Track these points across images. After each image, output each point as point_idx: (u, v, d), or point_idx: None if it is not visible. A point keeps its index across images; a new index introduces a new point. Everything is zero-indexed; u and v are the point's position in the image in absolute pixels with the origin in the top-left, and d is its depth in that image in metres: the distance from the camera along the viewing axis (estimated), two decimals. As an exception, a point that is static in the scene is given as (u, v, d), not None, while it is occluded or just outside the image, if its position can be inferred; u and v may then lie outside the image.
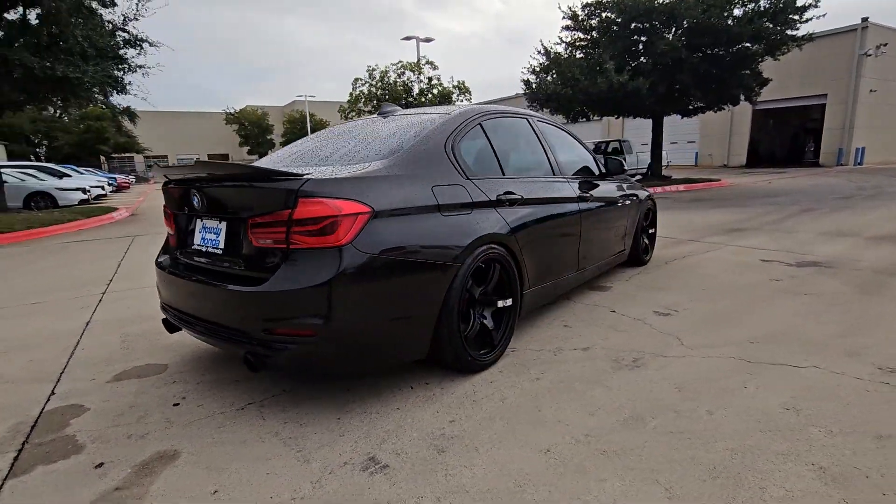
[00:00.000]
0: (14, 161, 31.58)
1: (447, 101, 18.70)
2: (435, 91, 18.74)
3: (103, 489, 1.66)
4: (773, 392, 2.18)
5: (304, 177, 1.90)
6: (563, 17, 15.11)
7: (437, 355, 2.29)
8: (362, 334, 1.97)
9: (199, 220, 2.31)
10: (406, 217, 2.09)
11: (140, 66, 12.38)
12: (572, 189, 3.34)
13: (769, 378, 2.32)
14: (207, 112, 54.57)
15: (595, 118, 18.68)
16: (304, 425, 2.03)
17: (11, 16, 10.01)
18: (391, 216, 2.03)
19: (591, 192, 3.56)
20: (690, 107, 15.37)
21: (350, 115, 20.48)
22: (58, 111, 42.31)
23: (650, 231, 4.95)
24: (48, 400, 2.35)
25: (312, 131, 43.21)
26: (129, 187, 29.86)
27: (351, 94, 19.01)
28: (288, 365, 2.00)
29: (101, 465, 1.80)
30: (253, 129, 47.17)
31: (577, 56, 14.80)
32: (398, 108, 3.15)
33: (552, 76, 14.46)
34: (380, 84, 18.34)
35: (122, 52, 11.98)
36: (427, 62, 18.87)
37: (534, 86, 15.15)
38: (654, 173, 16.25)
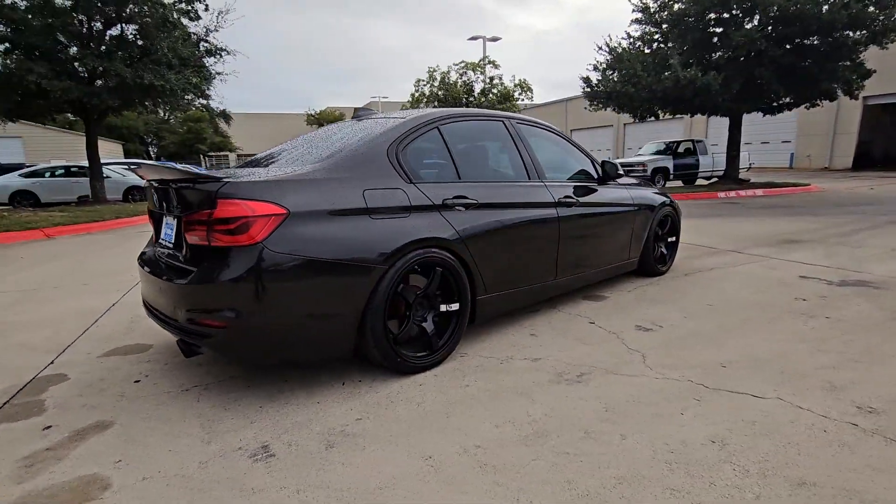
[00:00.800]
0: (129, 158, 35.79)
1: (508, 100, 18.57)
2: (496, 90, 18.64)
3: (36, 448, 1.91)
4: (709, 422, 1.99)
5: (224, 180, 2.05)
6: (634, 10, 14.36)
7: (365, 354, 2.35)
8: (276, 329, 2.08)
9: (164, 218, 2.55)
10: (327, 219, 2.17)
11: (218, 73, 13.59)
12: (549, 194, 3.22)
13: (715, 406, 2.11)
14: (291, 114, 58.42)
15: (677, 117, 17.55)
16: (227, 409, 2.19)
17: (112, 31, 11.43)
18: (310, 218, 2.12)
19: (579, 197, 3.41)
20: (774, 104, 13.96)
21: None
22: (166, 114, 47.38)
23: (669, 239, 4.62)
24: (44, 368, 2.72)
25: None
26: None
27: (412, 96, 19.48)
28: (214, 352, 2.16)
29: (48, 427, 2.07)
30: (332, 129, 49.75)
31: (644, 51, 14.00)
32: (374, 112, 3.23)
33: (614, 73, 13.82)
34: (440, 85, 18.58)
35: (203, 60, 13.23)
36: (489, 62, 18.81)
37: (595, 84, 14.58)
38: (727, 175, 14.96)
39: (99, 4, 10.62)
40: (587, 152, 3.87)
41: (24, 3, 10.65)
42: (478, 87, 18.87)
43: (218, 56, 13.65)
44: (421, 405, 2.20)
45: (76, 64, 10.85)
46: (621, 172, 3.85)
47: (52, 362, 2.81)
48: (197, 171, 2.16)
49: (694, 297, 3.80)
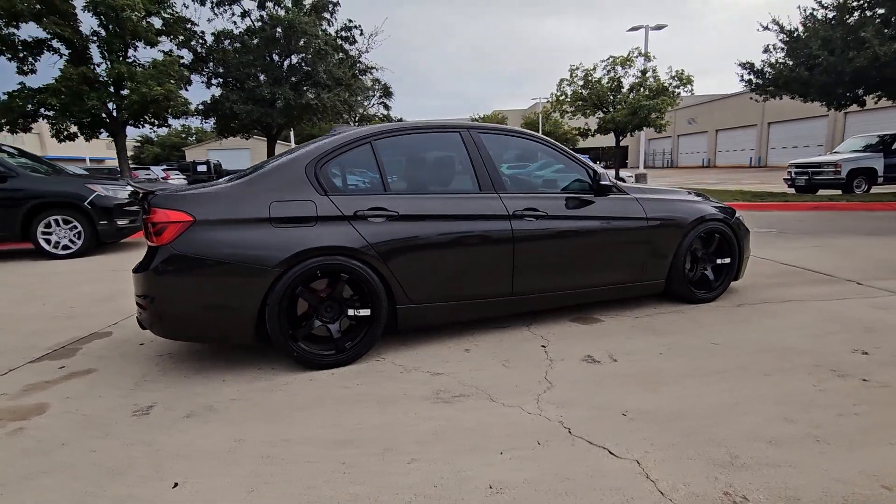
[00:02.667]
0: None
1: (664, 94, 16.58)
2: (648, 84, 16.82)
3: (42, 379, 2.71)
4: (518, 468, 1.79)
5: (156, 192, 2.58)
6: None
7: (268, 343, 2.67)
8: (180, 314, 2.54)
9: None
10: (230, 226, 2.54)
11: (367, 89, 15.43)
12: (503, 206, 3.07)
13: (551, 453, 1.87)
14: (455, 119, 61.92)
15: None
16: (164, 374, 2.73)
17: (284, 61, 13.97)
18: (214, 225, 2.52)
19: (546, 211, 3.17)
20: None
21: (551, 118, 20.47)
22: (353, 124, 54.52)
23: (718, 261, 3.86)
24: (109, 326, 3.70)
25: (547, 134, 44.32)
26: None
27: (552, 96, 18.89)
28: (143, 327, 2.71)
29: (62, 367, 2.89)
30: (493, 132, 51.29)
31: (826, 26, 11.28)
32: (348, 128, 3.50)
33: (785, 56, 11.45)
34: (584, 83, 17.54)
35: (355, 79, 15.19)
36: (639, 54, 17.03)
37: (762, 68, 12.28)
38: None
39: (281, 41, 13.13)
40: (584, 162, 3.51)
41: (229, 44, 13.77)
42: (627, 83, 17.37)
43: (369, 73, 15.54)
44: (294, 396, 2.43)
45: (259, 90, 13.57)
46: (609, 183, 3.38)
47: (116, 322, 3.80)
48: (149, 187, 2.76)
49: (711, 333, 3.16)
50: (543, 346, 3.01)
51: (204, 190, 2.66)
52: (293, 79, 13.25)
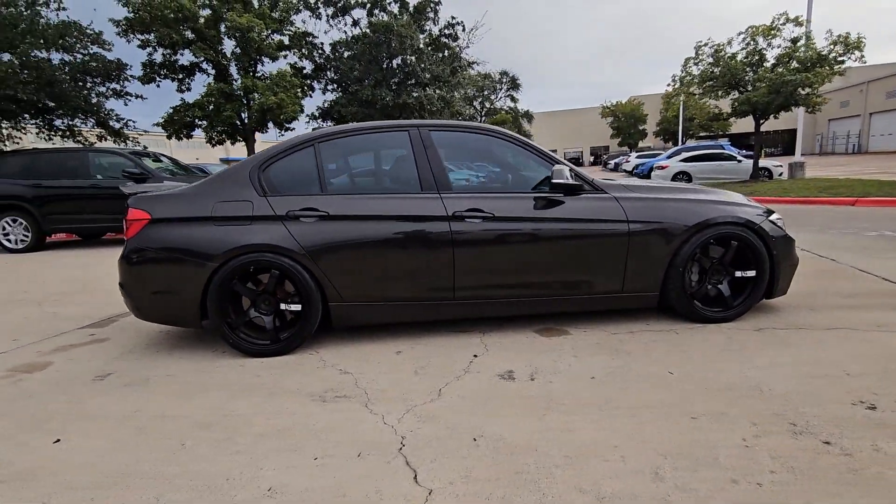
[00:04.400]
0: None
1: (824, 64, 13.45)
2: (800, 55, 13.77)
3: (71, 341, 3.41)
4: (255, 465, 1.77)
5: (132, 193, 3.04)
6: None
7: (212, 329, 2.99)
8: (141, 298, 2.97)
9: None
10: (180, 224, 2.89)
11: (469, 85, 15.57)
12: (443, 207, 2.94)
13: (327, 462, 1.81)
14: (589, 108, 58.64)
15: None
16: (147, 347, 3.23)
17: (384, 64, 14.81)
18: (165, 222, 2.90)
19: (494, 212, 2.96)
20: None
21: (673, 102, 18.22)
22: (480, 118, 55.15)
23: (737, 274, 3.19)
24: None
25: (689, 120, 39.64)
26: (505, 178, 36.40)
27: (674, 78, 16.58)
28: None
29: (92, 334, 3.59)
30: (626, 120, 47.58)
31: None
32: (321, 129, 3.64)
33: None
34: (715, 61, 15.03)
35: (458, 75, 15.44)
36: (787, 20, 13.96)
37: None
38: None
39: (382, 45, 14.00)
40: (552, 158, 3.17)
41: (343, 52, 15.06)
42: (771, 55, 14.47)
43: (470, 68, 15.65)
44: (210, 379, 2.69)
45: (361, 93, 14.63)
46: (572, 181, 2.97)
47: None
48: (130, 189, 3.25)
49: (682, 360, 2.66)
50: (475, 356, 2.85)
51: (166, 191, 3.07)
52: (395, 80, 14.04)
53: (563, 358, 2.77)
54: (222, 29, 12.85)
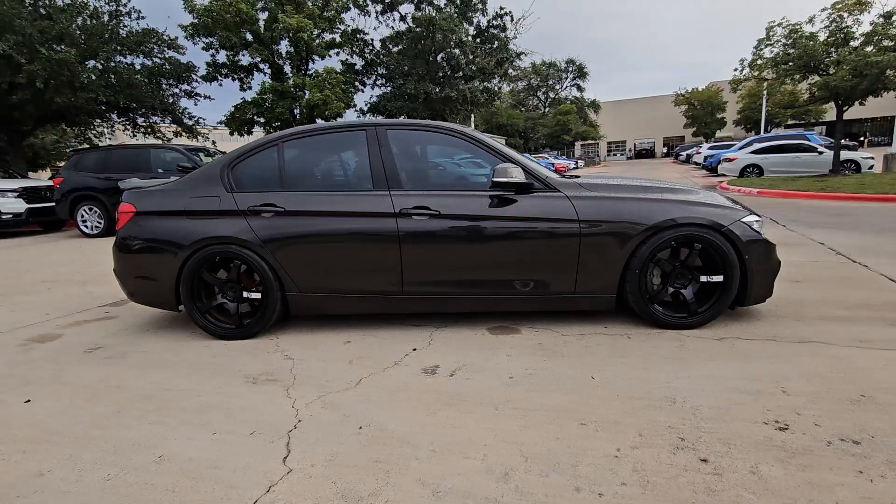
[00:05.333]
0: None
1: None
2: (893, 31, 12.00)
3: (87, 318, 3.90)
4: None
5: (126, 189, 3.42)
6: None
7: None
8: (128, 282, 3.34)
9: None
10: (159, 216, 3.22)
11: (508, 74, 15.32)
12: (391, 204, 3.03)
13: (188, 434, 1.98)
14: (662, 96, 55.27)
15: None
16: (145, 329, 3.63)
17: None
18: (147, 215, 3.23)
19: (440, 209, 3.00)
20: None
21: (740, 89, 16.65)
22: (544, 109, 54.01)
23: (703, 279, 3.01)
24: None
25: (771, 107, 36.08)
26: (565, 170, 35.39)
27: (742, 62, 15.02)
28: None
29: (108, 311, 4.08)
30: (703, 108, 44.37)
31: None
32: (290, 129, 3.79)
33: None
34: (791, 43, 13.39)
35: (503, 66, 15.24)
36: None
37: None
38: None
39: (426, 40, 14.14)
40: (506, 155, 3.13)
41: (395, 46, 15.39)
42: (860, 32, 12.70)
43: (515, 59, 15.40)
44: (174, 356, 2.99)
45: (405, 87, 14.89)
46: (520, 179, 2.92)
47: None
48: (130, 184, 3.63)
49: (617, 366, 2.59)
50: (414, 350, 2.93)
51: (150, 187, 3.42)
52: (439, 74, 14.16)
53: (495, 356, 2.78)
54: (275, 30, 13.68)
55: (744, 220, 2.98)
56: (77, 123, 13.90)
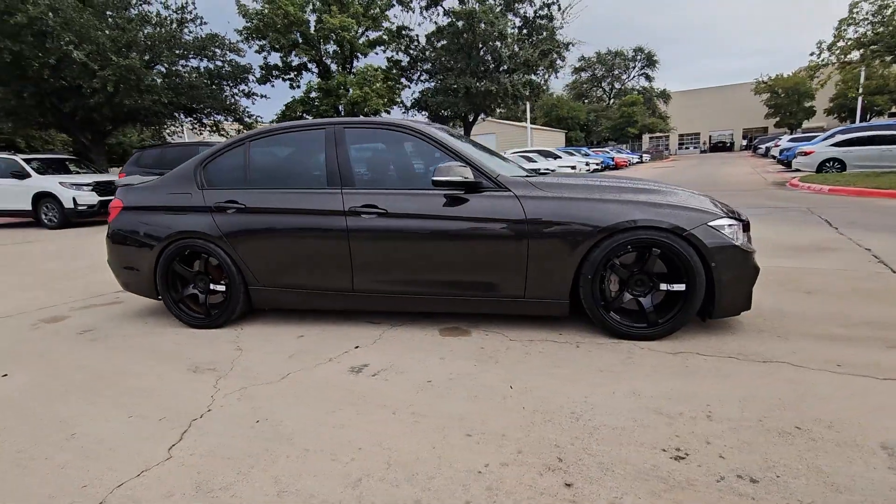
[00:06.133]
0: (569, 146, 41.69)
1: None
2: None
3: (94, 302, 4.30)
4: (112, 429, 2.11)
5: (120, 185, 3.71)
6: None
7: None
8: (118, 271, 3.63)
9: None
10: (141, 211, 3.47)
11: (551, 66, 14.82)
12: (341, 202, 3.06)
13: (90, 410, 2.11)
14: (739, 84, 50.99)
15: None
16: (144, 315, 3.95)
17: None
18: (132, 209, 3.50)
19: (387, 208, 2.99)
20: None
21: (818, 75, 14.85)
22: (609, 100, 51.80)
23: (663, 287, 2.77)
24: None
25: (876, 93, 32.13)
26: (626, 165, 33.63)
27: (819, 45, 13.29)
28: None
29: (118, 296, 4.48)
30: (788, 96, 40.45)
31: None
32: (258, 128, 3.93)
33: None
34: (876, 22, 11.64)
35: (547, 57, 14.78)
36: None
37: None
38: None
39: (467, 34, 14.04)
40: (458, 153, 3.04)
41: (439, 41, 15.43)
42: None
43: (563, 50, 14.86)
44: (141, 342, 3.22)
45: (445, 81, 14.84)
46: (464, 178, 2.81)
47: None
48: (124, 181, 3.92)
49: (541, 377, 2.46)
50: (356, 347, 2.96)
51: (137, 183, 3.68)
52: (480, 67, 13.96)
53: (429, 358, 2.74)
54: (320, 31, 14.20)
55: (711, 223, 2.71)
56: (150, 123, 15.24)
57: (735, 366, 2.45)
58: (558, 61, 15.65)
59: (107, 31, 11.06)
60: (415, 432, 1.99)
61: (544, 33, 14.85)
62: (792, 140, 25.97)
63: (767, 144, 33.02)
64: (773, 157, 25.94)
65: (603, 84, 54.13)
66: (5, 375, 2.78)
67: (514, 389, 2.32)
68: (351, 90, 13.73)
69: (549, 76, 15.71)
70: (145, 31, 12.35)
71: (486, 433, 1.96)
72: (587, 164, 26.38)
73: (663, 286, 2.78)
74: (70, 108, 12.13)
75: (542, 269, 2.87)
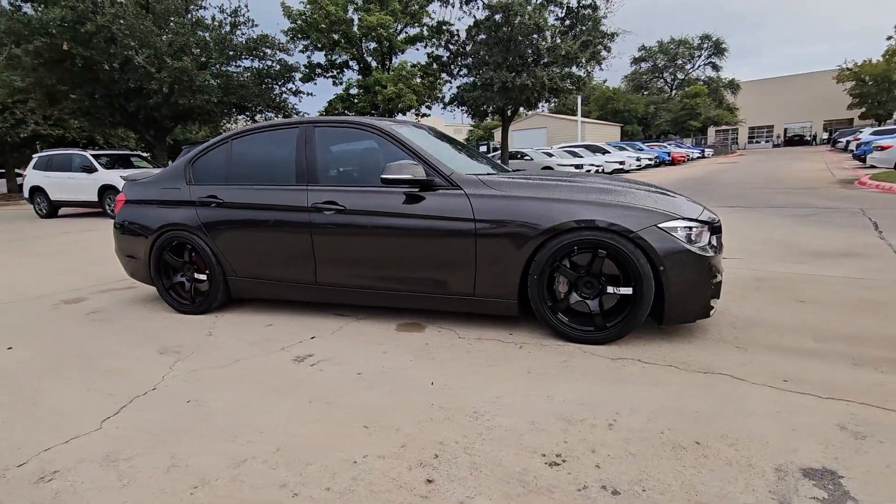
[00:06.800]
0: (625, 140, 40.00)
1: None
2: None
3: (113, 286, 4.74)
4: None
5: (127, 180, 4.06)
6: None
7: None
8: (122, 259, 3.99)
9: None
10: (138, 204, 3.79)
11: (593, 58, 14.28)
12: (305, 199, 3.19)
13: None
14: (818, 72, 46.61)
15: None
16: (150, 305, 4.32)
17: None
18: (133, 203, 3.83)
19: (345, 205, 3.09)
20: None
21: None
22: (670, 92, 49.14)
23: (609, 290, 2.68)
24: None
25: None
26: (683, 161, 31.76)
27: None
28: None
29: (132, 284, 4.90)
30: (877, 84, 36.58)
31: None
32: (240, 127, 4.06)
33: None
34: None
35: (588, 49, 14.28)
36: None
37: None
38: None
39: (503, 27, 13.86)
40: (416, 153, 3.06)
41: (479, 35, 15.35)
42: None
43: (606, 41, 14.31)
44: (130, 325, 3.54)
45: (481, 76, 14.71)
46: (437, 175, 2.85)
47: (210, 263, 5.79)
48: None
49: (467, 376, 2.48)
50: (312, 338, 3.09)
51: (138, 178, 4.01)
52: (517, 61, 13.71)
53: (373, 351, 2.82)
54: (359, 29, 14.56)
55: (661, 225, 2.58)
56: (206, 121, 16.31)
57: (672, 375, 2.34)
58: (603, 52, 15.06)
59: (163, 38, 11.97)
60: (319, 421, 2.08)
61: (588, 23, 14.34)
62: (875, 133, 23.50)
63: (847, 138, 30.08)
64: (851, 152, 23.63)
65: (664, 74, 51.46)
66: (10, 348, 3.16)
67: (434, 386, 2.36)
68: (387, 87, 14.01)
69: (593, 68, 15.14)
70: (197, 36, 13.23)
71: (383, 426, 2.02)
72: (638, 159, 25.29)
73: (610, 289, 2.69)
74: (134, 107, 13.26)
75: (491, 269, 2.86)
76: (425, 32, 15.25)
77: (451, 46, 15.36)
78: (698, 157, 36.01)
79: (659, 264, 2.55)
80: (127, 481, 1.73)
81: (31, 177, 13.26)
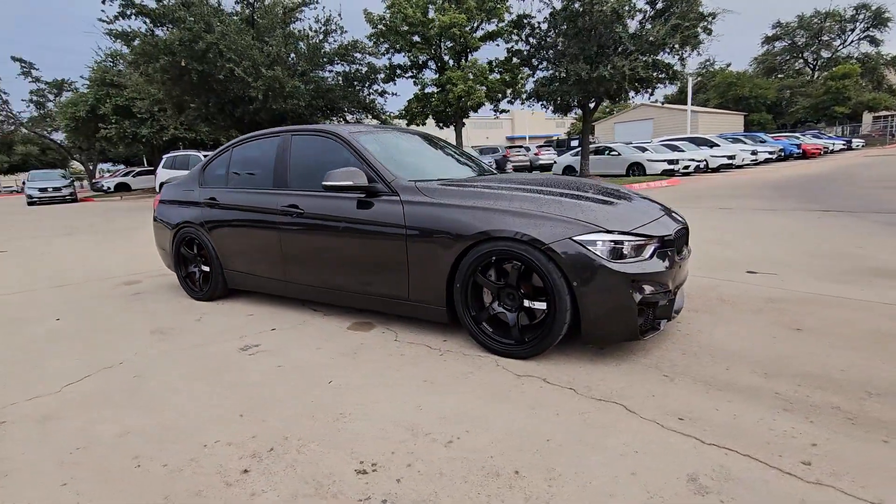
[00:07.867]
0: (750, 130, 35.67)
1: None
2: None
3: (151, 273, 5.55)
4: None
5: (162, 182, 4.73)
6: None
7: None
8: (160, 252, 4.66)
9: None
10: (168, 204, 4.40)
11: (686, 43, 12.90)
12: (277, 202, 3.48)
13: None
14: None
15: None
16: (169, 297, 5.00)
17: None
18: (165, 202, 4.46)
19: (304, 208, 3.32)
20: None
21: None
22: (812, 73, 42.68)
23: (527, 304, 2.57)
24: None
25: None
26: (819, 154, 27.30)
27: None
28: None
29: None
30: None
31: None
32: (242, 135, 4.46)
33: None
34: None
35: (677, 33, 12.97)
36: None
37: None
38: None
39: (588, 17, 13.15)
40: (368, 161, 3.14)
41: (560, 26, 14.78)
42: None
43: (705, 23, 12.89)
44: (128, 311, 4.15)
45: (558, 68, 14.06)
46: (380, 181, 2.95)
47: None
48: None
49: (356, 376, 2.56)
50: (273, 329, 3.37)
51: (173, 181, 4.64)
52: (595, 51, 12.82)
53: (310, 346, 3.01)
54: (433, 29, 14.80)
55: (576, 238, 2.40)
56: (299, 124, 17.84)
57: (562, 399, 2.20)
58: (701, 35, 13.54)
59: (262, 49, 13.38)
60: (209, 405, 2.32)
61: (683, 5, 12.99)
62: None
63: None
64: None
65: (804, 54, 44.62)
66: (58, 320, 3.91)
67: (330, 385, 2.48)
68: (458, 84, 14.12)
69: (688, 55, 13.69)
70: (290, 46, 14.54)
71: (255, 417, 2.20)
72: (753, 153, 22.33)
73: (527, 303, 2.57)
74: (239, 113, 15.02)
75: (421, 275, 2.89)
76: (503, 28, 15.04)
77: (532, 40, 14.95)
78: (842, 149, 30.74)
79: (573, 279, 2.39)
80: (41, 438, 2.12)
81: (162, 174, 15.74)
